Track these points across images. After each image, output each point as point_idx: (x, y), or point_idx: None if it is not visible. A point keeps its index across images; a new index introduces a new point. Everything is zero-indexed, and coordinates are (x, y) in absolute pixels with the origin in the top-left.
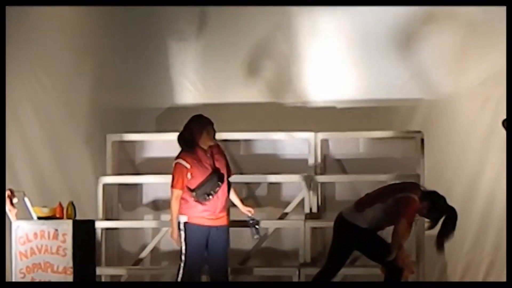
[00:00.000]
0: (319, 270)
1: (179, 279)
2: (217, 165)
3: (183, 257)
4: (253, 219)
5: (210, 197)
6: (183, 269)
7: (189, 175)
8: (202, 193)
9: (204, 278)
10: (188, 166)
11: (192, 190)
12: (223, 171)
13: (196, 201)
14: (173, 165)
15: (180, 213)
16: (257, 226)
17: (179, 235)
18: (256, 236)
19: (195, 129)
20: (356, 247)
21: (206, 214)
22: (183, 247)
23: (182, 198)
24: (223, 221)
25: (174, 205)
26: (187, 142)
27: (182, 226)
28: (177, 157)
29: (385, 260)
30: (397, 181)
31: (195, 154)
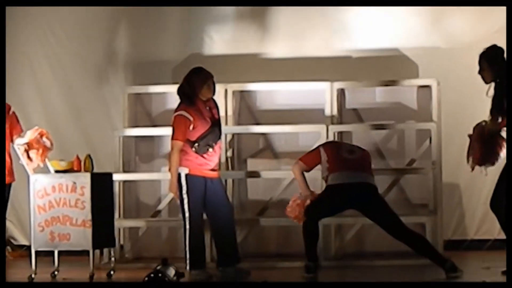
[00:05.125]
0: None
1: (187, 233)
2: (216, 117)
3: (186, 209)
4: None
5: (211, 149)
6: (190, 222)
7: (191, 127)
8: (204, 144)
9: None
10: (191, 118)
11: (193, 142)
12: (218, 124)
13: (196, 152)
14: (173, 117)
15: (180, 165)
16: None
17: (179, 188)
18: None
19: (196, 81)
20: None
21: (206, 167)
22: (185, 200)
23: (181, 150)
24: (216, 174)
25: (175, 157)
26: (188, 94)
27: (183, 178)
28: (178, 109)
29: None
30: None
31: (195, 106)
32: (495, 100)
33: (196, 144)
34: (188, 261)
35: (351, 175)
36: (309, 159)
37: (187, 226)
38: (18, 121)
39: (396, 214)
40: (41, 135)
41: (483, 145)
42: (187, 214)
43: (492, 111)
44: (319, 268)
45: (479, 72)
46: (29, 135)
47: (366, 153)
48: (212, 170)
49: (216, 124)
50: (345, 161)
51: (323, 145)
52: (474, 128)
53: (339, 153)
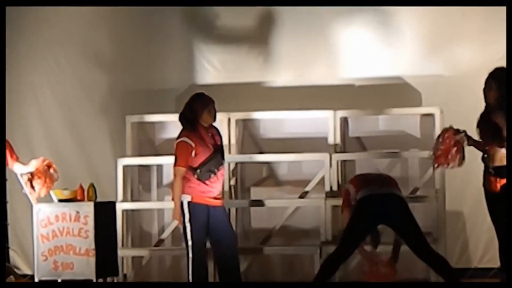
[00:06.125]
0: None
1: (190, 262)
2: (218, 144)
3: (188, 238)
4: None
5: (213, 175)
6: (192, 250)
7: (193, 154)
8: (206, 170)
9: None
10: (193, 144)
11: (195, 168)
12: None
13: (198, 179)
14: (175, 144)
15: (183, 192)
16: None
17: (182, 216)
18: None
19: (198, 107)
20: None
21: (208, 194)
22: (188, 228)
23: (184, 178)
24: (219, 203)
25: (178, 184)
26: (189, 120)
27: (186, 206)
28: (180, 135)
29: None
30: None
31: (197, 132)
32: (493, 125)
33: (198, 171)
34: None
35: (378, 188)
36: (345, 203)
37: (190, 255)
38: (12, 148)
39: (422, 233)
40: (48, 167)
41: (460, 153)
42: (189, 243)
43: (484, 133)
44: None
45: (484, 91)
46: (35, 164)
47: (390, 176)
48: (216, 198)
49: (218, 150)
50: (371, 179)
51: (349, 181)
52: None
53: (363, 176)
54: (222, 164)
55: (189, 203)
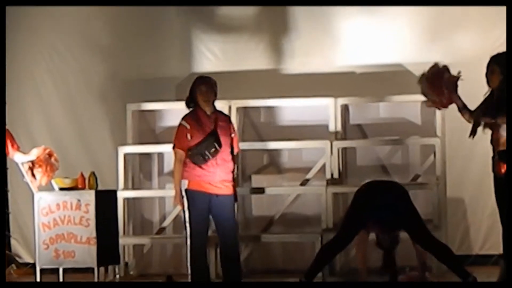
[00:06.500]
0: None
1: (188, 249)
2: (220, 130)
3: (187, 225)
4: None
5: (206, 158)
6: (190, 238)
7: (189, 136)
8: (197, 152)
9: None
10: (188, 126)
11: (188, 150)
12: (225, 138)
13: (194, 163)
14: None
15: (182, 177)
16: None
17: (182, 202)
18: None
19: (192, 89)
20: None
21: (205, 179)
22: (187, 215)
23: (184, 162)
24: (223, 191)
25: (177, 168)
26: (188, 102)
27: (184, 193)
28: (181, 119)
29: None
30: None
31: (195, 115)
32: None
33: (190, 152)
34: (189, 277)
35: (379, 179)
36: None
37: (188, 242)
38: (13, 138)
39: (423, 222)
40: (50, 155)
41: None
42: (188, 230)
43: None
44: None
45: (487, 75)
46: (36, 152)
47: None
48: (217, 185)
49: (213, 134)
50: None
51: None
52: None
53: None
54: (215, 148)
55: (186, 190)
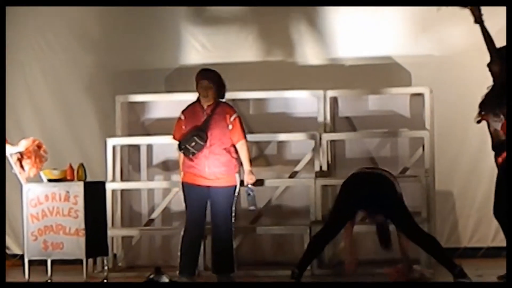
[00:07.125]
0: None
1: (180, 239)
2: (211, 123)
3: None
4: (252, 190)
5: (190, 151)
6: (184, 229)
7: (184, 127)
8: (181, 146)
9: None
10: (182, 117)
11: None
12: (217, 131)
13: (184, 155)
14: None
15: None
16: (250, 192)
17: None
18: (252, 208)
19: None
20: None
21: (195, 172)
22: (184, 207)
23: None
24: (215, 183)
25: (179, 158)
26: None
27: (181, 186)
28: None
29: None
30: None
31: (193, 107)
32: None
33: (178, 144)
34: (178, 267)
35: (366, 168)
36: None
37: (182, 233)
38: None
39: (410, 213)
40: (38, 147)
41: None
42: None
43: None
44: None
45: (489, 64)
46: (25, 144)
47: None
48: (208, 178)
49: (200, 129)
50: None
51: None
52: None
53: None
54: (195, 142)
55: (182, 183)
